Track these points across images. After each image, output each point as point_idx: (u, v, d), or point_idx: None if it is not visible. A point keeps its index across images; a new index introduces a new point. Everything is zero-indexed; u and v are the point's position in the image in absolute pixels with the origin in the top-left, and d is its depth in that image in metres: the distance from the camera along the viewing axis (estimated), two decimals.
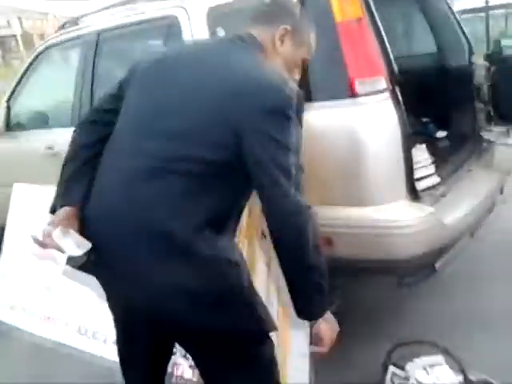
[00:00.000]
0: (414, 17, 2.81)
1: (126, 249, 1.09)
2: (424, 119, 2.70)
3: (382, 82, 1.66)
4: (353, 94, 1.64)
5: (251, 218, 1.67)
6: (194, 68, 1.16)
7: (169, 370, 1.69)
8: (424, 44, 2.68)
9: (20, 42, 56.96)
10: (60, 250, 1.12)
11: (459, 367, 1.62)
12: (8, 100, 3.04)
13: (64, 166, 1.25)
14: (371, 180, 1.67)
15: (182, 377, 1.93)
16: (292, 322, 1.64)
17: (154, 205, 1.07)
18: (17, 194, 2.75)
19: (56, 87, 3.08)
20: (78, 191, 1.19)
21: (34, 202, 2.61)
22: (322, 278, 1.10)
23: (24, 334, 2.44)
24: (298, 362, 1.71)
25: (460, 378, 1.62)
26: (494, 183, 2.21)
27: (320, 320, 1.17)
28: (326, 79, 1.73)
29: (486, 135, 2.41)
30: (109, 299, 1.28)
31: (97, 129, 1.25)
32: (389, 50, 1.70)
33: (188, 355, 1.86)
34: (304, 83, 1.64)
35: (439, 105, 2.58)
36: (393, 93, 1.67)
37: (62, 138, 2.54)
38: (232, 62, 1.15)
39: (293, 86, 1.11)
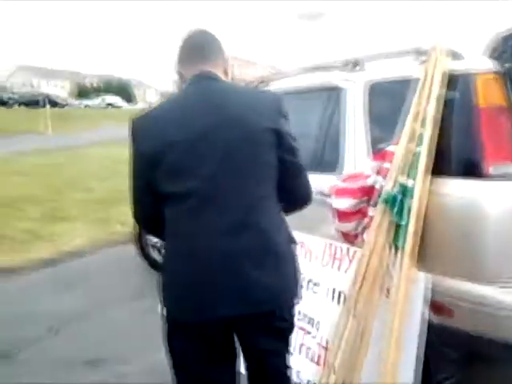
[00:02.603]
0: None
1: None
2: None
3: None
4: (486, 175, 1.84)
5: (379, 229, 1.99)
6: (210, 115, 1.42)
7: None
8: None
9: None
10: None
11: None
12: None
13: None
14: (497, 259, 1.78)
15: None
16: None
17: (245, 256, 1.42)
18: None
19: None
20: None
21: None
22: None
23: None
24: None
25: None
26: None
27: None
28: (462, 158, 1.97)
29: None
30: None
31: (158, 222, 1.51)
32: None
33: None
34: (441, 158, 1.95)
35: None
36: None
37: None
38: (231, 93, 1.51)
39: None
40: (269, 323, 1.50)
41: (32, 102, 32.74)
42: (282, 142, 1.48)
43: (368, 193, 2.15)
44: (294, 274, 1.55)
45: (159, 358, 1.85)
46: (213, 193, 1.42)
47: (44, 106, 22.38)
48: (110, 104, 43.16)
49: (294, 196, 1.61)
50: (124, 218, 5.36)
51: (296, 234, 1.66)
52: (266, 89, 3.00)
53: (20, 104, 35.97)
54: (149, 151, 1.44)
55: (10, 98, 37.13)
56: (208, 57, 1.56)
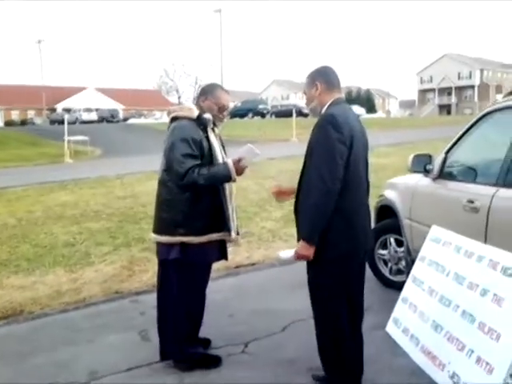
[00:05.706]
0: None
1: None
2: None
3: None
4: None
5: None
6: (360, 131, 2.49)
7: None
8: None
9: (476, 93, 61.58)
10: None
11: None
12: (447, 151, 3.37)
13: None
14: None
15: None
16: None
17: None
18: (432, 234, 3.15)
19: (489, 146, 3.24)
20: None
21: (445, 246, 2.98)
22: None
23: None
24: None
25: None
26: None
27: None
28: None
29: None
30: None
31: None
32: None
33: None
34: None
35: None
36: None
37: (483, 194, 2.79)
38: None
39: None
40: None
41: (281, 113, 36.23)
42: None
43: None
44: None
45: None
46: None
47: (291, 115, 24.32)
48: None
49: None
50: None
51: None
52: None
53: (272, 114, 40.26)
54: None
55: (264, 109, 41.89)
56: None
